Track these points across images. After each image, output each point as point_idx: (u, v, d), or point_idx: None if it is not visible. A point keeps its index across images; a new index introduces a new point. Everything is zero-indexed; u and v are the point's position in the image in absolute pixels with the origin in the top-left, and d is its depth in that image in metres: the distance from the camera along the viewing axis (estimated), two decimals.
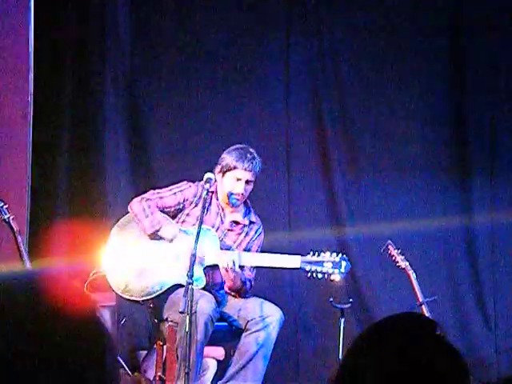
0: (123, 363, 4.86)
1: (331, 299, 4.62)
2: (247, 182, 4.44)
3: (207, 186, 4.31)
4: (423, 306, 4.75)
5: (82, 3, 5.89)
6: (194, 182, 4.52)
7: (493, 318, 6.00)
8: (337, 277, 4.39)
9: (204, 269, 4.35)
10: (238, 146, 4.53)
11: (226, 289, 4.47)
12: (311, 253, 4.39)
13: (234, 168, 4.41)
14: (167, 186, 4.56)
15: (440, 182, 6.10)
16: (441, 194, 6.09)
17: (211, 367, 5.23)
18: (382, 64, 6.10)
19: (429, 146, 6.10)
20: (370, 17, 6.07)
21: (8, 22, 5.06)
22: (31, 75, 5.06)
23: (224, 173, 4.44)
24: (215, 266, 4.40)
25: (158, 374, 4.53)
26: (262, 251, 4.57)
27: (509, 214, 6.05)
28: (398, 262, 4.89)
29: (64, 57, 5.88)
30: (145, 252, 4.45)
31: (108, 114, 5.96)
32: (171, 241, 4.40)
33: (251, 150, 4.50)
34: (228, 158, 4.44)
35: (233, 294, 4.48)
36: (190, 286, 3.96)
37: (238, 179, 4.42)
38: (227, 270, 4.31)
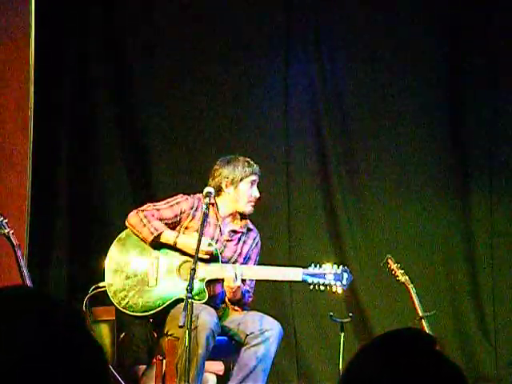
0: (119, 378, 4.85)
1: (331, 314, 4.62)
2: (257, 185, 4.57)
3: (207, 200, 4.32)
4: (423, 320, 4.75)
5: (82, 14, 5.92)
6: (189, 194, 4.54)
7: (493, 332, 5.99)
8: (339, 289, 4.39)
9: (206, 283, 4.35)
10: (229, 157, 4.58)
11: (227, 300, 4.47)
12: (312, 265, 4.40)
13: (247, 175, 4.50)
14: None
15: (439, 197, 6.10)
16: (440, 208, 6.09)
17: (210, 382, 5.21)
18: (382, 76, 6.11)
19: (429, 160, 6.11)
20: (368, 30, 6.10)
21: (9, 35, 5.08)
22: (31, 89, 5.07)
23: (237, 183, 4.49)
24: (216, 280, 4.40)
25: None
26: (261, 264, 4.57)
27: (508, 228, 6.05)
28: (397, 276, 4.88)
29: (64, 69, 5.91)
30: (145, 267, 4.44)
31: (107, 126, 5.98)
32: (175, 244, 4.40)
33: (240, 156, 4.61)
34: (236, 170, 4.51)
35: (232, 305, 4.48)
36: (189, 301, 3.96)
37: (252, 183, 4.52)
38: (230, 283, 4.32)
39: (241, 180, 4.50)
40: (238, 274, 4.32)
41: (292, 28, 6.10)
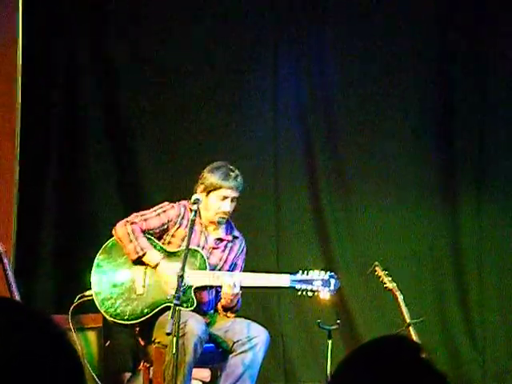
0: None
1: (319, 321, 4.62)
2: (232, 199, 4.46)
3: (195, 207, 4.30)
4: (410, 327, 4.75)
5: (70, 21, 5.92)
6: (175, 202, 4.53)
7: (481, 340, 5.99)
8: (326, 295, 4.40)
9: (194, 290, 4.34)
10: (218, 163, 4.53)
11: (219, 306, 4.46)
12: (300, 271, 4.41)
13: (220, 187, 4.43)
14: (151, 207, 4.55)
15: (427, 203, 6.11)
16: (428, 214, 6.10)
17: None
18: (370, 84, 6.12)
19: (417, 167, 6.12)
20: (357, 39, 6.11)
21: None
22: (19, 97, 5.06)
23: (208, 192, 4.45)
24: (203, 287, 4.39)
25: None
26: (248, 271, 4.57)
27: (496, 235, 6.06)
28: (385, 283, 4.89)
29: (51, 78, 5.90)
30: (132, 275, 4.43)
31: (96, 136, 5.97)
32: (155, 267, 4.39)
33: (232, 167, 4.51)
34: (212, 178, 4.44)
35: (224, 312, 4.46)
36: (176, 308, 3.95)
37: (225, 198, 4.44)
38: (228, 291, 4.31)
39: (213, 190, 4.44)
40: (236, 282, 4.31)
41: (281, 37, 6.10)
